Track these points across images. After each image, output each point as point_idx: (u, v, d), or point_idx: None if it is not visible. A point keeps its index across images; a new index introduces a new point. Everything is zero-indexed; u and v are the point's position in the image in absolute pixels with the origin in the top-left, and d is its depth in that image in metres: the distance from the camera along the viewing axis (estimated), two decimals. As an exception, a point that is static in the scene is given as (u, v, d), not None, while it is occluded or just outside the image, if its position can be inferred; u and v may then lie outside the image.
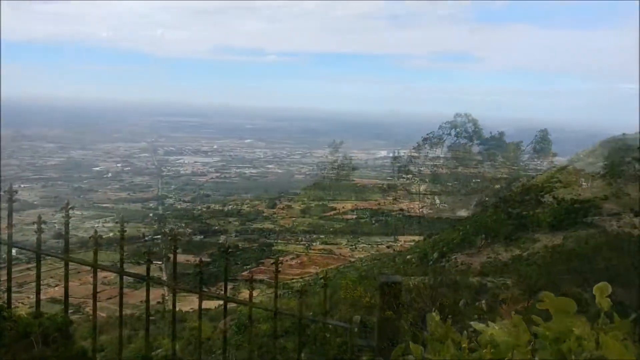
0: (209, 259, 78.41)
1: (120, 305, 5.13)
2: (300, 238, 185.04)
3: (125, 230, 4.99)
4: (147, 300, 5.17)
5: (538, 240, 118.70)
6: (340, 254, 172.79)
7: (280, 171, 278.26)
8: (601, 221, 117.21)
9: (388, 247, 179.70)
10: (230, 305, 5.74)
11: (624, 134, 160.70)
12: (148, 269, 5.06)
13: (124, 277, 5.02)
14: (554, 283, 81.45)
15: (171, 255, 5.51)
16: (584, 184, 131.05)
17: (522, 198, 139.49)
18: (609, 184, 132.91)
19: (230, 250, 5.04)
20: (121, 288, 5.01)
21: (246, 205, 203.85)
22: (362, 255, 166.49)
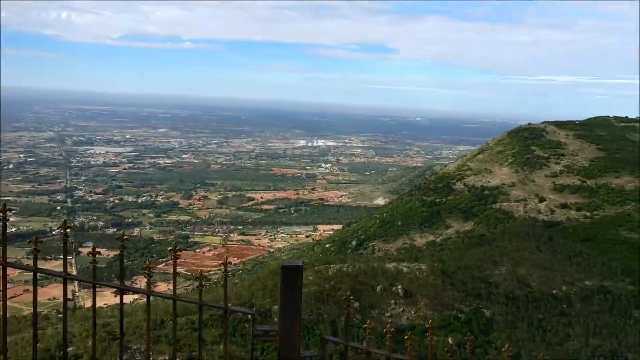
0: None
1: (35, 304, 4.93)
2: (217, 229, 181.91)
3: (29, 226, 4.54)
4: (65, 297, 5.03)
5: (451, 226, 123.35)
6: (259, 244, 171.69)
7: (196, 161, 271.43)
8: (509, 207, 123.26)
9: (307, 236, 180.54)
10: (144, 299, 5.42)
11: (529, 123, 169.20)
12: (65, 265, 4.81)
13: (24, 273, 4.65)
14: (466, 267, 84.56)
15: (81, 250, 5.50)
16: (493, 171, 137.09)
17: (436, 186, 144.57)
18: (516, 171, 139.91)
19: (126, 238, 4.80)
20: (35, 285, 4.85)
21: (161, 197, 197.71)
22: (281, 245, 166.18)
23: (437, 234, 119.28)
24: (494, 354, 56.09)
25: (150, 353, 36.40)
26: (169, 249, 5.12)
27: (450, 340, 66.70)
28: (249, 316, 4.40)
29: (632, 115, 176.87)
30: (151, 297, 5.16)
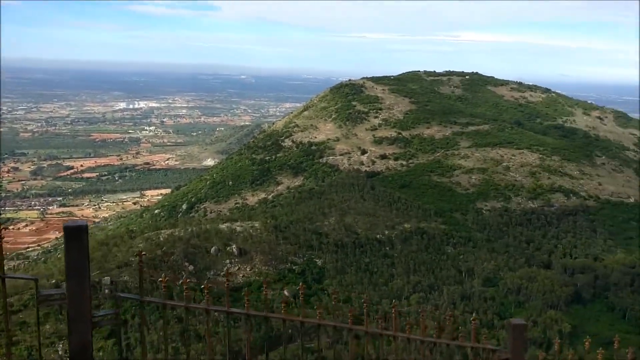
0: None
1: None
2: (33, 203, 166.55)
3: None
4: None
5: (281, 183, 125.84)
6: (82, 215, 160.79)
7: (2, 130, 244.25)
8: (335, 160, 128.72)
9: (135, 203, 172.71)
10: None
11: (350, 80, 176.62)
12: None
13: None
14: (298, 221, 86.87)
15: None
16: (318, 127, 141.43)
17: (265, 144, 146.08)
18: (339, 126, 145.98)
19: None
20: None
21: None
22: (107, 215, 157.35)
23: (268, 191, 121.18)
24: (327, 300, 59.04)
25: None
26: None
27: (286, 292, 68.90)
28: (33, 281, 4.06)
29: (440, 69, 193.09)
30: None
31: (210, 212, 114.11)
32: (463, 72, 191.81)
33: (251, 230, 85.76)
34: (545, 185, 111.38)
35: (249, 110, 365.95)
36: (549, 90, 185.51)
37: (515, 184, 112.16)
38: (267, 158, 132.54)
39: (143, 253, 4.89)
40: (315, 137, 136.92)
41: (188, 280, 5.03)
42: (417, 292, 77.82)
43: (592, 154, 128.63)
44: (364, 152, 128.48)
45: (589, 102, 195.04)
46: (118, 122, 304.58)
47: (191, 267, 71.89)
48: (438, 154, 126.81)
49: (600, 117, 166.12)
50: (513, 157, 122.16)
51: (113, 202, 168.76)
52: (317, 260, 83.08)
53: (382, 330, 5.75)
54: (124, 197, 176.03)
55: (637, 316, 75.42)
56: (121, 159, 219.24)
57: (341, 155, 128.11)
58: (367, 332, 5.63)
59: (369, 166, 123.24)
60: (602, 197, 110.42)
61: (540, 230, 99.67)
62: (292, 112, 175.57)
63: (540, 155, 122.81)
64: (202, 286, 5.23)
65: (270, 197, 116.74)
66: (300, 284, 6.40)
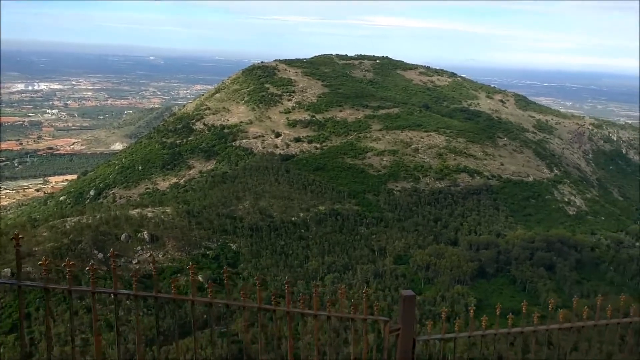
0: None
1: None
2: None
3: None
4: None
5: (193, 167, 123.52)
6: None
7: None
8: (248, 144, 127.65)
9: (38, 190, 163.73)
10: None
11: (262, 62, 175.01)
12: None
13: None
14: (211, 205, 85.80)
15: None
16: (231, 110, 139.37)
17: (175, 127, 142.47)
18: (252, 109, 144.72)
19: None
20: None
21: None
22: (6, 203, 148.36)
23: (180, 176, 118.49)
24: (243, 284, 58.94)
25: None
26: None
27: (200, 278, 68.04)
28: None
29: (354, 53, 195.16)
30: None
31: (120, 198, 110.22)
32: (374, 56, 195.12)
33: (163, 216, 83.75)
34: (451, 166, 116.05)
35: (159, 93, 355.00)
36: (455, 74, 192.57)
37: (424, 165, 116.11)
38: (178, 142, 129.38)
39: (20, 236, 4.73)
40: (228, 120, 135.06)
41: (95, 267, 4.86)
42: (332, 272, 79.21)
43: (494, 136, 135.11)
44: (277, 135, 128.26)
45: (492, 86, 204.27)
46: (16, 104, 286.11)
47: (100, 255, 69.36)
48: (351, 136, 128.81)
49: (503, 100, 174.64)
50: (422, 140, 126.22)
51: (13, 190, 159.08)
52: (231, 244, 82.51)
53: (303, 310, 5.81)
54: (25, 184, 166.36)
55: (536, 288, 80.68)
56: (21, 144, 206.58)
57: (255, 138, 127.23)
58: (288, 312, 5.66)
59: (283, 149, 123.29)
60: (504, 177, 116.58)
61: (447, 208, 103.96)
62: (203, 95, 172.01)
63: (447, 138, 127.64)
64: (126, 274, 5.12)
65: (182, 181, 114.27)
66: (225, 267, 6.42)
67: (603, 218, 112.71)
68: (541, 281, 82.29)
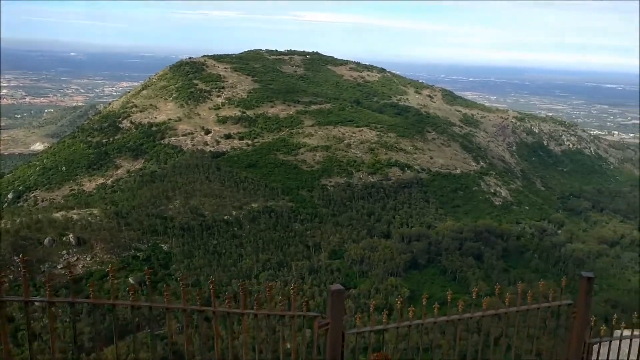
0: None
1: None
2: None
3: None
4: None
5: (121, 166, 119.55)
6: None
7: None
8: (177, 141, 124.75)
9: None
10: None
11: (190, 58, 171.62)
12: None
13: None
14: (141, 205, 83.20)
15: None
16: (159, 107, 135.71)
17: (101, 126, 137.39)
18: (181, 105, 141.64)
19: None
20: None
21: None
22: None
23: (107, 176, 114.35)
24: (175, 286, 57.46)
25: None
26: None
27: (131, 280, 65.84)
28: None
29: (283, 48, 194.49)
30: None
31: (42, 201, 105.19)
32: (304, 51, 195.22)
33: (90, 218, 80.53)
34: (383, 160, 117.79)
35: (82, 90, 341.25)
36: (384, 70, 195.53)
37: (357, 160, 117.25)
38: (104, 141, 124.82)
39: None
40: (156, 118, 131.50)
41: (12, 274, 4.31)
42: (267, 269, 78.62)
43: (423, 130, 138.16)
44: (207, 132, 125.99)
45: (421, 81, 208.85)
46: None
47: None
48: (283, 132, 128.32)
49: (430, 95, 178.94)
50: (353, 135, 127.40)
51: None
52: (163, 245, 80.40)
53: (230, 309, 5.80)
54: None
55: (466, 277, 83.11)
56: None
57: (184, 135, 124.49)
58: (214, 312, 5.67)
59: (213, 146, 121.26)
60: (433, 170, 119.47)
61: (380, 202, 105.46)
62: (129, 92, 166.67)
63: (378, 133, 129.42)
64: (44, 280, 5.15)
65: (109, 182, 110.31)
66: (146, 269, 6.23)
67: (527, 207, 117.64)
68: (470, 270, 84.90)
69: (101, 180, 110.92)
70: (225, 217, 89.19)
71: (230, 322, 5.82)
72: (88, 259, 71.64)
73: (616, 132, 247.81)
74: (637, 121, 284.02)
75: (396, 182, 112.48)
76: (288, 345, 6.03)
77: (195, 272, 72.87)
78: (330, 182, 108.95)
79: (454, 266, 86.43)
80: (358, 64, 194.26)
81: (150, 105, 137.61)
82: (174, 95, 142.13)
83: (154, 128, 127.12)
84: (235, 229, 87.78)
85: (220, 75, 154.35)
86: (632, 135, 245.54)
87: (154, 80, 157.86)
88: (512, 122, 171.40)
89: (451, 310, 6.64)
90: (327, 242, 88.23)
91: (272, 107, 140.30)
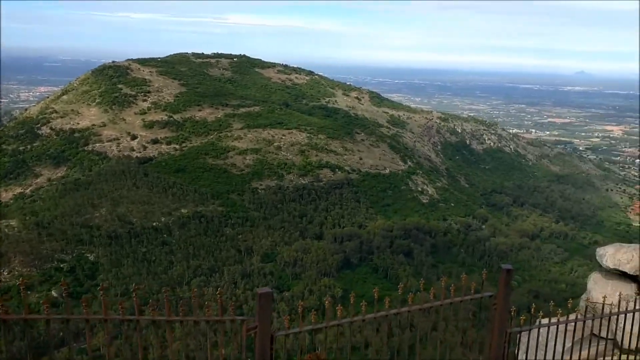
0: None
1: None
2: None
3: None
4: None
5: (41, 175, 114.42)
6: None
7: None
8: (102, 147, 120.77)
9: None
10: None
11: (113, 61, 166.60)
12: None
13: None
14: (64, 215, 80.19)
15: None
16: (81, 112, 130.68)
17: (17, 133, 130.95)
18: (105, 110, 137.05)
19: None
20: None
21: None
22: None
23: (25, 185, 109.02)
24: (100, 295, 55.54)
25: None
26: None
27: (54, 293, 63.12)
28: None
29: (209, 51, 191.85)
30: None
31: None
32: (231, 54, 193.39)
33: (7, 230, 76.63)
34: (313, 162, 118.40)
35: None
36: (312, 72, 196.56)
37: (287, 162, 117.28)
38: (21, 148, 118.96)
39: None
40: (78, 123, 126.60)
41: None
42: (198, 276, 77.33)
43: (352, 132, 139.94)
44: (134, 137, 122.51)
45: (348, 83, 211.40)
46: None
47: None
48: (211, 136, 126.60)
49: (358, 97, 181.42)
50: (283, 137, 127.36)
51: None
52: (89, 255, 77.56)
53: (155, 317, 5.67)
54: None
55: (397, 274, 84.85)
56: None
57: (109, 141, 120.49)
58: (138, 321, 5.55)
59: (140, 152, 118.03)
60: (363, 170, 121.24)
61: (311, 204, 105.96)
62: (48, 97, 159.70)
63: (308, 135, 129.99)
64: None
65: (28, 191, 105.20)
66: (62, 279, 5.97)
67: (453, 204, 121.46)
68: (401, 267, 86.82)
69: (19, 190, 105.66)
70: (154, 224, 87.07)
71: (162, 330, 5.70)
72: (5, 273, 68.12)
73: (533, 130, 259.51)
74: (553, 119, 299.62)
75: (327, 183, 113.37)
76: (224, 351, 5.97)
77: (124, 281, 70.72)
78: (261, 185, 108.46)
79: (385, 264, 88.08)
80: (286, 66, 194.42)
81: (72, 110, 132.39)
82: (97, 100, 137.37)
83: (76, 134, 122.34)
84: (165, 235, 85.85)
85: (145, 79, 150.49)
86: (547, 132, 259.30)
87: (75, 84, 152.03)
88: (436, 122, 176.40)
89: (376, 308, 6.75)
90: (259, 245, 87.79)
91: (199, 110, 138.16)
